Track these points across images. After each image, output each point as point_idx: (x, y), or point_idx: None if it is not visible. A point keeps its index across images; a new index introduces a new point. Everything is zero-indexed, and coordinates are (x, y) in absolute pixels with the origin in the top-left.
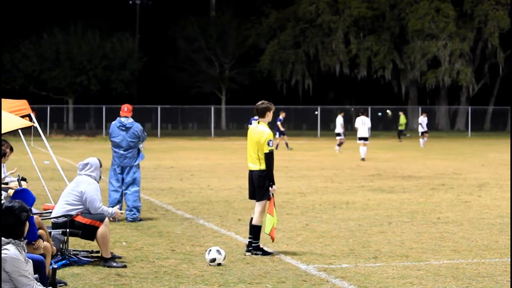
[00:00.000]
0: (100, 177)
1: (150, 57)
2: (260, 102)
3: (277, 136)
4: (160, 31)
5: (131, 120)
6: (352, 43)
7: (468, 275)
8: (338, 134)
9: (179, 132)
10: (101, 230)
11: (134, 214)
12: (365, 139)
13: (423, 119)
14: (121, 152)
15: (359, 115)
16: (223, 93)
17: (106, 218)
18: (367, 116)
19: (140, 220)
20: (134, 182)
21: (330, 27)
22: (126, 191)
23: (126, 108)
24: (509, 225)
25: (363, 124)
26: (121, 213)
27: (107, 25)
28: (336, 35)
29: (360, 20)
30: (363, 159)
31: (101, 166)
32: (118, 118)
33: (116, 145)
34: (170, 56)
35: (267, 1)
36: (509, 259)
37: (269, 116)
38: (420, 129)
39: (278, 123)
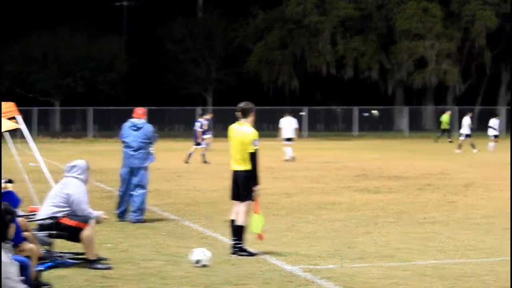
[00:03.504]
0: (87, 179)
1: (137, 59)
2: (244, 103)
3: (199, 145)
4: (147, 33)
5: (143, 121)
6: (339, 44)
7: (454, 275)
8: (468, 135)
9: (166, 133)
10: (86, 232)
11: (139, 215)
12: (290, 139)
13: (495, 122)
14: (131, 152)
15: (283, 116)
16: (210, 94)
17: (92, 220)
18: (293, 116)
19: (144, 221)
20: (141, 183)
21: (317, 27)
22: (133, 192)
23: (140, 110)
24: (496, 225)
25: (289, 124)
26: (105, 218)
27: (94, 26)
28: (323, 35)
29: (347, 21)
30: (287, 160)
31: (88, 168)
32: (130, 120)
33: (126, 145)
34: (157, 58)
35: (255, 2)
36: (496, 259)
37: (252, 116)
38: (493, 132)
39: (201, 125)
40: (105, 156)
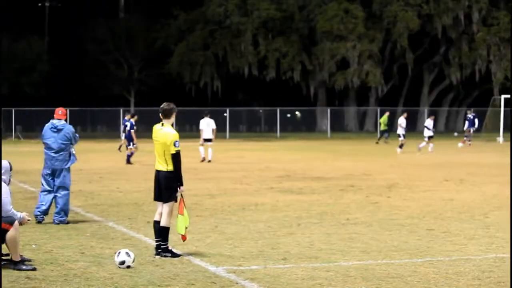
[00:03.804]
0: (10, 180)
1: (59, 59)
2: (165, 104)
3: (131, 146)
4: (69, 33)
5: (63, 122)
6: (261, 45)
7: (378, 276)
8: (399, 136)
9: (88, 134)
10: (10, 233)
11: (62, 217)
12: (209, 140)
13: (430, 122)
14: (52, 154)
15: (203, 117)
16: (132, 95)
17: (16, 221)
18: (211, 117)
19: (68, 223)
20: (64, 185)
21: (238, 29)
22: (56, 194)
23: (60, 111)
24: (419, 226)
25: (207, 126)
26: (29, 220)
27: (16, 27)
28: (244, 36)
29: (269, 22)
30: (208, 161)
31: (11, 169)
32: (51, 121)
33: (47, 147)
34: (79, 58)
35: (176, 3)
36: (419, 260)
37: (174, 117)
38: (428, 133)
39: (132, 130)
40: (28, 157)
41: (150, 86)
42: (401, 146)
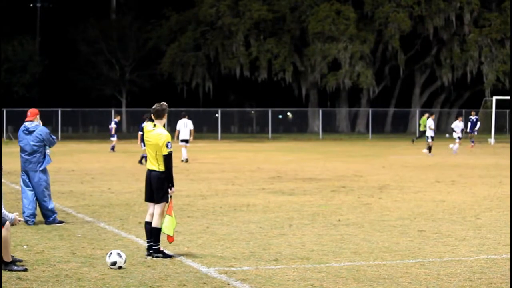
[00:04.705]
0: (0, 179)
1: (51, 60)
2: (157, 104)
3: (115, 138)
4: (61, 34)
5: (35, 123)
6: (253, 46)
7: (369, 277)
8: (430, 137)
9: (80, 135)
10: (2, 233)
11: (50, 217)
12: (186, 141)
13: (458, 124)
14: (26, 156)
15: (181, 118)
16: (123, 96)
17: (7, 222)
18: (189, 118)
19: (60, 222)
20: (42, 186)
21: (230, 29)
22: (38, 196)
23: (29, 112)
24: (410, 227)
25: (185, 126)
26: (20, 220)
27: (7, 28)
28: (236, 37)
29: (261, 23)
30: (186, 161)
31: (1, 168)
32: (24, 123)
33: (21, 149)
34: (71, 59)
35: (168, 3)
36: (411, 261)
37: (166, 117)
38: (456, 135)
39: (113, 125)
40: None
41: (142, 87)
42: (429, 149)
